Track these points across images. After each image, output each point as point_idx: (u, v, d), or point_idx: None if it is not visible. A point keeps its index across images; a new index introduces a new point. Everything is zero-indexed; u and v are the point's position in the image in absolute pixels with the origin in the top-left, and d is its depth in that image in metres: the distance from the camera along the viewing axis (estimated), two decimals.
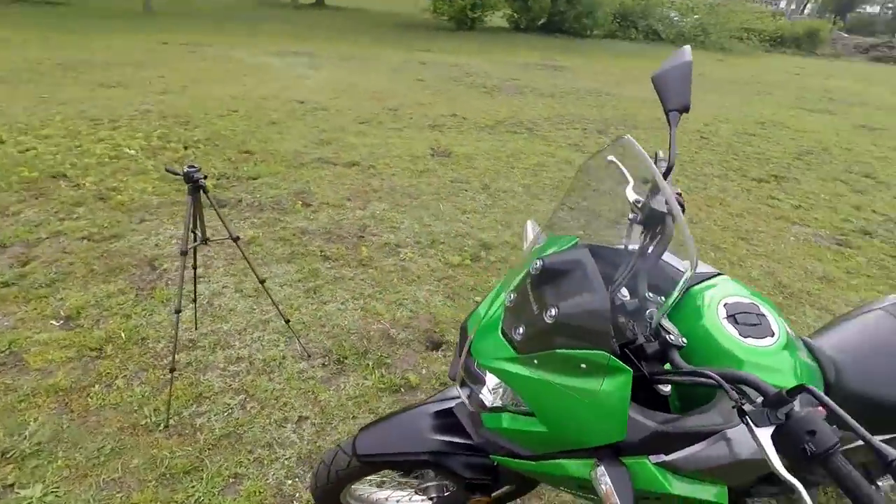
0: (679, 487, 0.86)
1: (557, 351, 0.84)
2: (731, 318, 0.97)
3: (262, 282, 2.05)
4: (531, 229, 1.24)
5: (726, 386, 0.78)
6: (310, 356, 2.24)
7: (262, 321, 2.43)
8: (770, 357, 0.92)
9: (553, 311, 0.84)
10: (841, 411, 0.69)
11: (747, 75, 11.95)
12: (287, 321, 2.16)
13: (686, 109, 1.08)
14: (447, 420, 1.17)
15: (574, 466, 0.90)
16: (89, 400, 1.93)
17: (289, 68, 8.30)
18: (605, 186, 1.12)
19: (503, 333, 0.94)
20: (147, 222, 3.22)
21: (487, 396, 0.97)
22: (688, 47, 1.11)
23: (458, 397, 1.24)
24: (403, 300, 2.67)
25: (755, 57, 17.04)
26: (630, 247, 1.05)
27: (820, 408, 0.71)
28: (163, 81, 6.72)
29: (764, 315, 0.98)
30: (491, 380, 0.97)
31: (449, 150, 4.97)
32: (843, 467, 0.69)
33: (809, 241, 3.64)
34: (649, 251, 1.00)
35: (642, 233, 1.05)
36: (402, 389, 2.10)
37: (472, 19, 16.24)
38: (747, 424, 0.75)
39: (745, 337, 0.94)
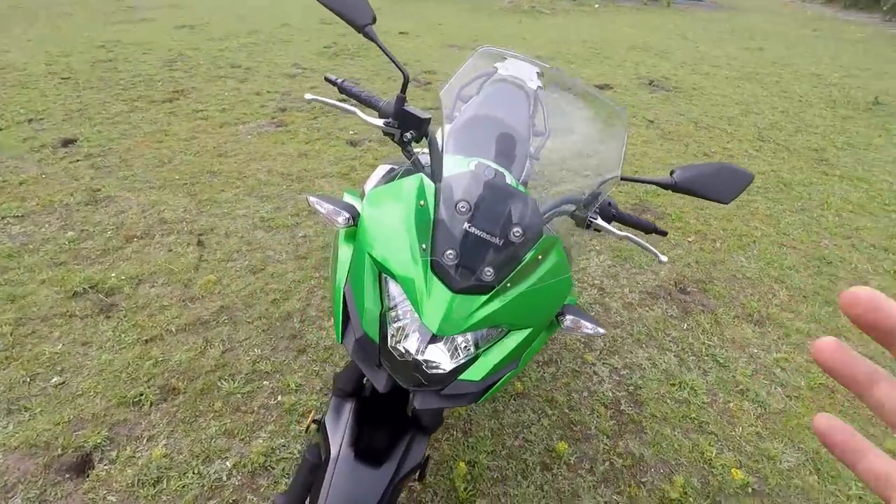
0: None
1: (525, 260, 0.88)
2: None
3: None
4: (319, 201, 1.04)
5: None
6: None
7: None
8: (526, 186, 1.23)
9: (517, 230, 0.87)
10: (633, 177, 1.08)
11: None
12: None
13: (374, 20, 1.08)
14: (365, 457, 1.01)
15: (545, 336, 1.02)
16: None
17: None
18: None
19: (459, 291, 0.86)
20: None
21: (446, 364, 0.91)
22: None
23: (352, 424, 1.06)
24: None
25: None
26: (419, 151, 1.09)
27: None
28: None
29: (490, 165, 1.25)
30: (433, 353, 0.91)
31: None
32: (624, 213, 1.12)
33: (258, 132, 4.07)
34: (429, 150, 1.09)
35: (411, 138, 1.11)
36: None
37: None
38: (596, 224, 1.07)
39: None
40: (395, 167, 1.39)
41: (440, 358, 0.91)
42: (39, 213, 2.87)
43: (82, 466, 1.61)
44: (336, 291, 1.01)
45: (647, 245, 1.13)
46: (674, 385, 2.03)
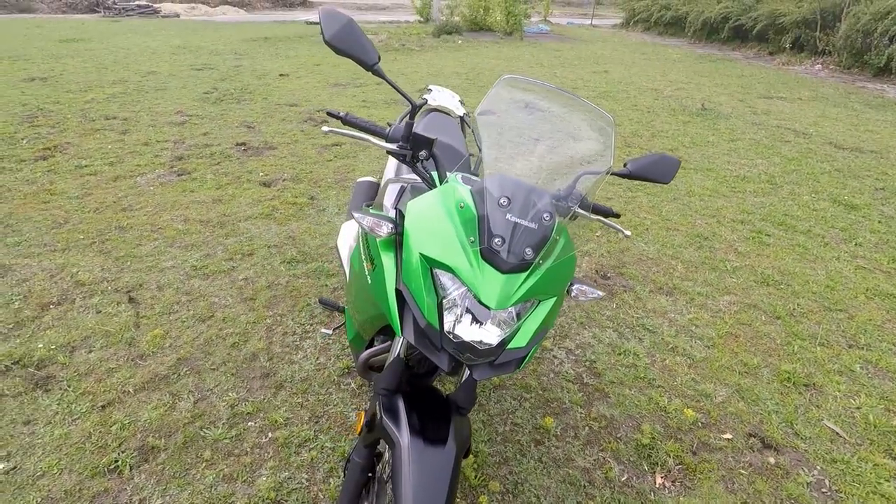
0: None
1: (551, 238, 1.07)
2: None
3: None
4: (361, 216, 1.14)
5: None
6: None
7: None
8: None
9: (546, 215, 1.05)
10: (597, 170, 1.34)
11: None
12: None
13: (380, 59, 1.24)
14: (429, 441, 1.11)
15: (559, 305, 1.21)
16: None
17: None
18: None
19: (508, 271, 1.02)
20: None
21: (494, 336, 1.06)
22: (329, 8, 1.20)
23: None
24: None
25: None
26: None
27: None
28: None
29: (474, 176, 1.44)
30: (483, 332, 1.06)
31: None
32: (593, 203, 1.38)
33: (160, 182, 3.88)
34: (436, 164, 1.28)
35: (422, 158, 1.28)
36: None
37: None
38: (577, 213, 1.31)
39: None
40: (373, 179, 1.53)
41: (490, 333, 1.06)
42: None
43: None
44: (388, 292, 1.12)
45: (615, 224, 1.39)
46: (620, 354, 2.34)
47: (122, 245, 3.01)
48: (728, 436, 1.97)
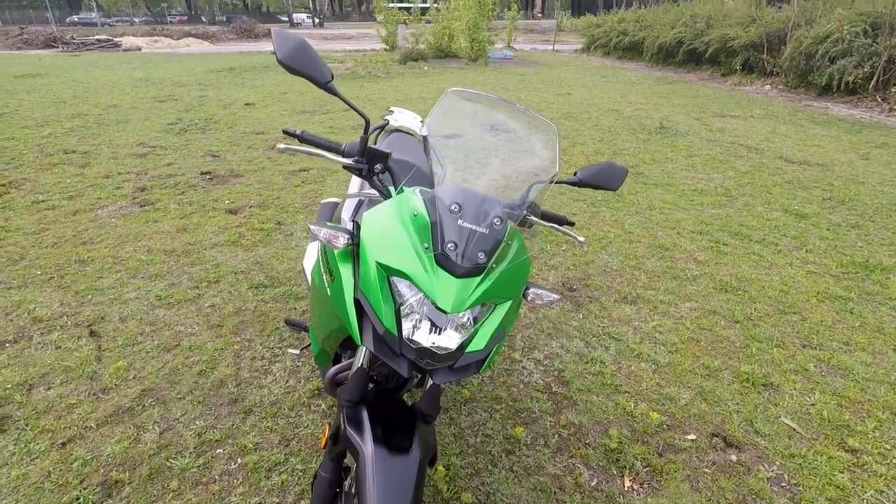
0: None
1: (503, 242, 1.12)
2: None
3: None
4: (317, 228, 1.16)
5: None
6: None
7: None
8: None
9: (497, 220, 1.10)
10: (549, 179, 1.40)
11: None
12: None
13: (333, 77, 1.28)
14: (394, 450, 1.13)
15: (516, 309, 1.25)
16: None
17: None
18: None
19: (462, 275, 1.06)
20: None
21: (452, 340, 1.09)
22: (281, 30, 1.24)
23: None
24: None
25: None
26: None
27: None
28: None
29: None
30: (442, 336, 1.09)
31: None
32: (545, 211, 1.44)
33: (122, 214, 3.82)
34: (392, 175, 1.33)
35: (378, 171, 1.32)
36: None
37: None
38: (530, 220, 1.36)
39: None
40: (338, 200, 1.56)
41: (448, 338, 1.09)
42: None
43: None
44: (347, 302, 1.15)
45: (569, 231, 1.45)
46: (587, 363, 2.39)
47: (82, 279, 2.95)
48: (692, 436, 2.03)
